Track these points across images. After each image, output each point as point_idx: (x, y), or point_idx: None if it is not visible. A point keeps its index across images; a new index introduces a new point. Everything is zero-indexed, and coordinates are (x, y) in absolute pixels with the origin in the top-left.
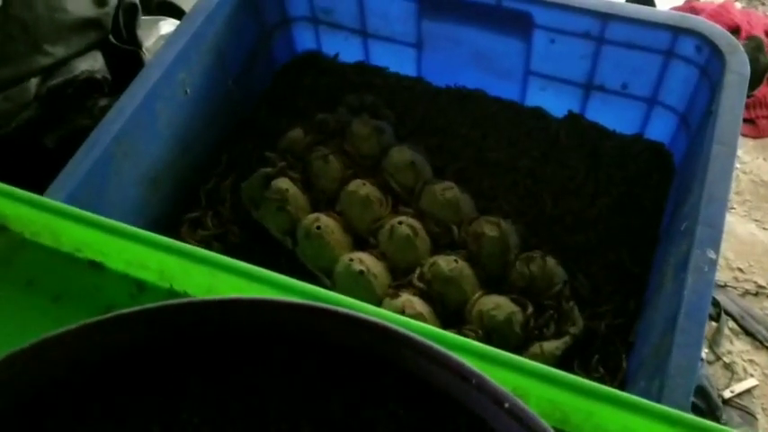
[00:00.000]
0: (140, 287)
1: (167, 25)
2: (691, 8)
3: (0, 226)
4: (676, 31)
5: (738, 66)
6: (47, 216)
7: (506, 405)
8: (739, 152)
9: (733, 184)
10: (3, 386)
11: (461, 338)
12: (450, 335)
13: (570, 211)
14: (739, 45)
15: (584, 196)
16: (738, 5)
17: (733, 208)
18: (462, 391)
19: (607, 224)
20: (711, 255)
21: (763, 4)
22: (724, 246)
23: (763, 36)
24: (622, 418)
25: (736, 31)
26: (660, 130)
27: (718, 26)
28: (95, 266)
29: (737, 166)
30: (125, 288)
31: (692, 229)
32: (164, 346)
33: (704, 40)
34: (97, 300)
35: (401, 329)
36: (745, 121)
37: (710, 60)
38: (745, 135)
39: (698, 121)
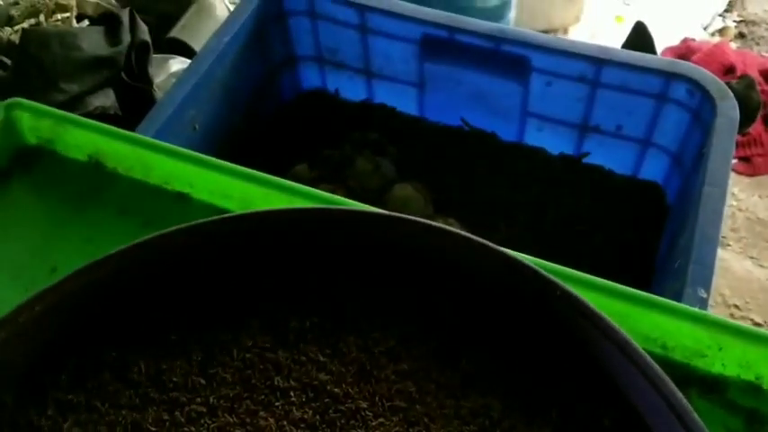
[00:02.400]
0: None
1: (177, 63)
2: (687, 47)
3: (95, 162)
4: (668, 76)
5: (728, 110)
6: (139, 151)
7: (558, 293)
8: (735, 190)
9: (729, 222)
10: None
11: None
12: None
13: (568, 247)
14: (729, 91)
15: (580, 233)
16: (733, 45)
17: (729, 245)
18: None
19: (603, 260)
20: (702, 294)
21: (758, 44)
22: (720, 282)
23: (757, 75)
24: (653, 318)
25: (731, 70)
26: (654, 169)
27: (708, 72)
28: (182, 198)
29: (734, 203)
30: (209, 216)
31: (684, 267)
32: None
33: (695, 86)
34: None
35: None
36: (740, 158)
37: (702, 104)
38: (740, 173)
39: (690, 162)
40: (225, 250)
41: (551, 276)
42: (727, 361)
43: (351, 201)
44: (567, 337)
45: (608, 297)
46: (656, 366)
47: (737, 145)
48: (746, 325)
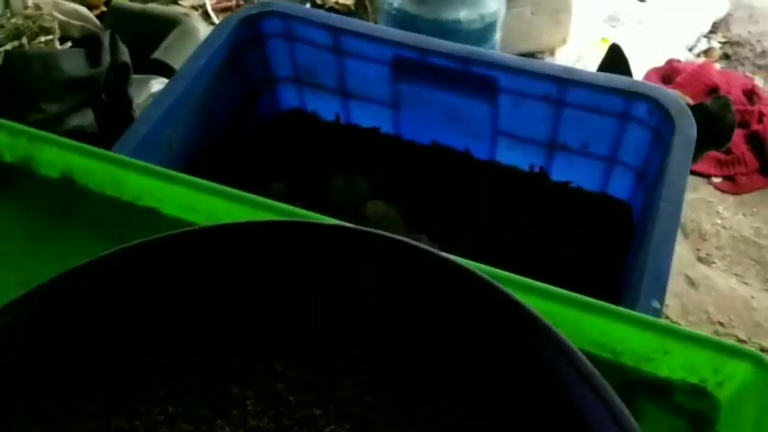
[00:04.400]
0: None
1: (158, 84)
2: (671, 68)
3: (67, 179)
4: (629, 95)
5: (686, 128)
6: (110, 168)
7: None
8: (720, 208)
9: (714, 240)
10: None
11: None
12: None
13: (537, 263)
14: (687, 109)
15: (550, 249)
16: (718, 66)
17: (714, 263)
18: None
19: (572, 276)
20: (656, 305)
21: (742, 65)
22: (705, 300)
23: (740, 95)
24: (604, 324)
25: (714, 90)
26: (620, 187)
27: (669, 91)
28: (151, 213)
29: (718, 221)
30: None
31: (639, 280)
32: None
33: (655, 104)
34: None
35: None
36: (725, 177)
37: (662, 123)
38: (725, 192)
39: (652, 179)
40: (187, 262)
41: (496, 283)
42: (673, 364)
43: (315, 214)
44: (513, 343)
45: (560, 304)
46: (583, 357)
47: (721, 165)
48: (689, 329)
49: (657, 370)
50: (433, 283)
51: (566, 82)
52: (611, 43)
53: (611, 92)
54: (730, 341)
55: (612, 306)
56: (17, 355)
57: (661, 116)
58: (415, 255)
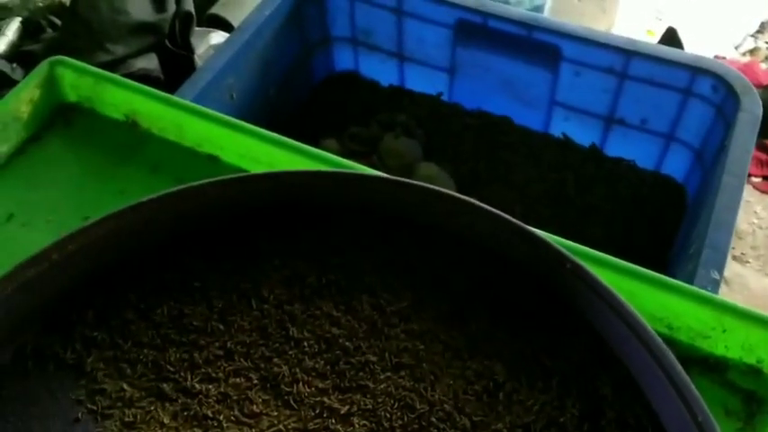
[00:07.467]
0: None
1: (217, 37)
2: None
3: (131, 122)
4: (694, 70)
5: (751, 106)
6: (174, 112)
7: (568, 265)
8: (757, 208)
9: (749, 239)
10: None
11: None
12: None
13: (583, 235)
14: (752, 87)
15: (597, 223)
16: (763, 66)
17: (748, 262)
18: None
19: (617, 252)
20: (715, 275)
21: None
22: (737, 298)
23: None
24: (661, 297)
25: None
26: (676, 165)
27: (733, 68)
28: (213, 160)
29: (755, 221)
30: None
31: (698, 252)
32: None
33: (720, 81)
34: None
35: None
36: (764, 178)
37: (725, 100)
38: (763, 192)
39: (712, 158)
40: (251, 206)
41: (562, 249)
42: (731, 343)
43: (373, 169)
44: (573, 308)
45: (617, 274)
46: (659, 339)
47: (761, 164)
48: (751, 308)
49: (714, 348)
50: (497, 245)
51: (630, 54)
52: (667, 27)
53: (676, 66)
54: None
55: (672, 280)
56: (79, 284)
57: (725, 93)
58: (478, 212)
